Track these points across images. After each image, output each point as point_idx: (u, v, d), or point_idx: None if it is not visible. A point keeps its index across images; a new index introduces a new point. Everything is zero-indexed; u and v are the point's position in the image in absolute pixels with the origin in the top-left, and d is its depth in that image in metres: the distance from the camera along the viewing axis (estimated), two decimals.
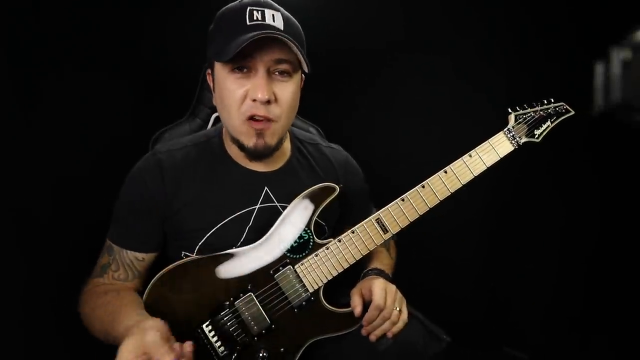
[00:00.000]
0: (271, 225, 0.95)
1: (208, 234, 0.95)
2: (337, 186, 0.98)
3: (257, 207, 0.98)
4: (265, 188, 0.99)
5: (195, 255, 0.95)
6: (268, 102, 0.85)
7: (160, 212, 0.95)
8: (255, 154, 0.92)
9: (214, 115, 1.27)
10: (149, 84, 1.48)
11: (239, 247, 0.95)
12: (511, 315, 1.79)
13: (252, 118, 0.87)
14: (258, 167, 0.99)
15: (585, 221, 1.70)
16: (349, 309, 0.94)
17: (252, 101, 0.85)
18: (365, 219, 1.07)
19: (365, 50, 1.66)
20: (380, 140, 1.74)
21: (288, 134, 1.06)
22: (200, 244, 0.95)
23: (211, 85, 0.96)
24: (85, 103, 1.38)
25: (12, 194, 1.25)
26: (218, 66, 0.88)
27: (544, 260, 1.76)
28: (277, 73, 0.87)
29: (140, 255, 0.96)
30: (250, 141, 0.89)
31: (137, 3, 1.43)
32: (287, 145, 1.05)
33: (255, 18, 0.84)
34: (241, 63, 0.85)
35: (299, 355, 0.93)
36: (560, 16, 1.64)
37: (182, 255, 0.97)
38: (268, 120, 0.87)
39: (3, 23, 1.23)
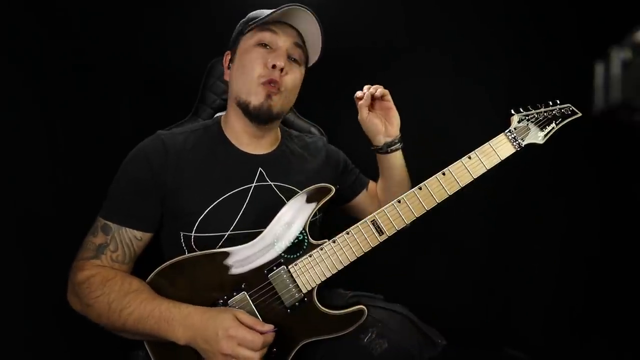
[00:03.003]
0: (266, 204, 0.98)
1: (206, 211, 0.96)
2: (333, 187, 0.98)
3: (253, 185, 1.01)
4: (260, 168, 1.04)
5: (194, 234, 0.96)
6: (282, 70, 0.99)
7: (161, 189, 0.96)
8: (258, 115, 1.00)
9: (216, 115, 1.27)
10: (150, 84, 1.48)
11: (236, 224, 0.97)
12: (512, 315, 1.79)
13: (267, 83, 0.99)
14: (253, 150, 1.07)
15: (585, 222, 1.70)
16: (343, 311, 0.94)
17: (270, 68, 0.98)
18: (360, 185, 1.25)
19: (366, 50, 1.66)
20: None
21: (278, 128, 1.16)
22: (199, 221, 0.96)
23: (225, 64, 1.10)
24: (86, 103, 1.38)
25: (12, 194, 1.25)
26: (244, 41, 1.03)
27: (544, 260, 1.75)
28: (292, 58, 1.03)
29: (139, 234, 0.96)
30: (258, 100, 0.99)
31: (138, 3, 1.43)
32: (277, 134, 1.15)
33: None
34: (268, 37, 1.00)
35: (291, 357, 0.93)
36: (561, 16, 1.64)
37: (181, 236, 0.97)
38: (278, 87, 1.00)
39: (3, 22, 1.23)
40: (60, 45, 1.33)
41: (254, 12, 1.07)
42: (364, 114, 1.09)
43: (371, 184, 1.27)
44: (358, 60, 1.66)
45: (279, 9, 0.97)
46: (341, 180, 1.21)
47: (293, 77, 1.03)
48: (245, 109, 1.01)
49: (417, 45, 1.67)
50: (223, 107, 1.28)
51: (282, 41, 1.01)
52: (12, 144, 1.26)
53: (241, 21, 1.09)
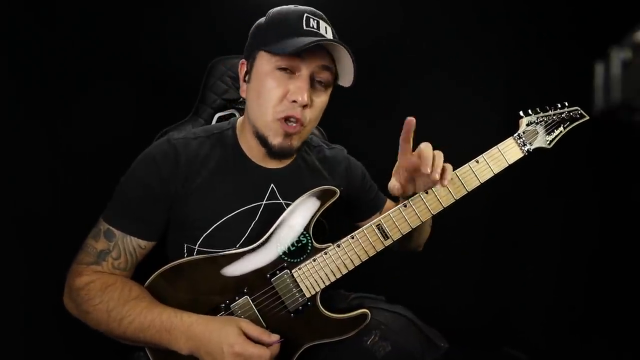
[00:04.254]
0: (275, 223, 0.94)
1: (213, 226, 0.93)
2: (337, 190, 0.97)
3: (263, 203, 0.97)
4: (272, 185, 0.99)
5: (197, 248, 0.94)
6: (305, 106, 0.88)
7: (170, 198, 0.92)
8: (279, 154, 0.94)
9: (216, 115, 1.27)
10: (151, 84, 1.48)
11: (242, 242, 0.94)
12: (512, 316, 1.79)
13: (286, 119, 0.89)
14: (266, 163, 1.00)
15: (585, 222, 1.70)
16: (346, 315, 0.93)
17: (290, 102, 0.87)
18: (376, 206, 1.17)
19: (365, 50, 1.65)
20: (382, 143, 1.72)
21: None
22: (204, 235, 0.93)
23: (241, 75, 0.98)
24: (87, 103, 1.37)
25: (13, 193, 1.25)
26: (262, 61, 0.90)
27: (544, 261, 1.75)
28: (317, 81, 0.90)
29: (143, 243, 0.92)
30: (276, 140, 0.91)
31: (138, 3, 1.43)
32: None
33: (311, 25, 0.88)
34: (289, 62, 0.87)
35: None
36: (561, 16, 1.64)
37: (184, 247, 0.95)
38: (300, 124, 0.90)
39: (4, 23, 1.23)
40: (60, 45, 1.32)
41: (276, 13, 0.92)
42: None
43: (387, 203, 1.20)
44: (359, 61, 1.66)
45: (309, 44, 0.82)
46: (358, 198, 1.15)
47: (317, 105, 0.92)
48: (264, 143, 0.93)
49: (416, 46, 1.67)
50: (223, 107, 1.28)
51: (306, 65, 0.87)
52: (12, 144, 1.26)
53: (260, 23, 0.95)
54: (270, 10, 0.94)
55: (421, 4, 1.65)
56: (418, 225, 0.95)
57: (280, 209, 0.98)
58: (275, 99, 0.88)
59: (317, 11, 0.93)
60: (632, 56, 0.36)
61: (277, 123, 0.89)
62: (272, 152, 0.93)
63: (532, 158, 1.02)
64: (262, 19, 0.95)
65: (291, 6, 0.93)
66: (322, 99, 0.93)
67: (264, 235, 0.93)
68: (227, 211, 0.94)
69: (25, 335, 1.29)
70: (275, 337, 0.85)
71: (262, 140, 0.92)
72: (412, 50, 1.67)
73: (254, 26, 0.96)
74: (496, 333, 1.76)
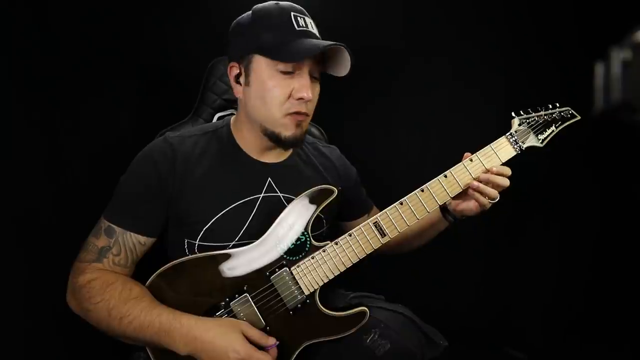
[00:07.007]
0: (274, 215, 0.95)
1: (212, 220, 0.94)
2: (335, 188, 0.98)
3: (261, 195, 0.99)
4: (269, 178, 1.01)
5: (198, 242, 0.95)
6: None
7: (168, 194, 0.94)
8: (292, 143, 0.97)
9: (216, 115, 1.27)
10: (151, 85, 1.48)
11: (241, 235, 0.95)
12: (512, 315, 1.79)
13: (294, 114, 0.93)
14: (263, 158, 1.02)
15: (585, 222, 1.70)
16: (345, 312, 0.94)
17: (297, 100, 0.92)
18: (361, 210, 1.20)
19: (367, 52, 1.65)
20: (380, 143, 1.73)
21: None
22: (204, 229, 0.94)
23: (231, 77, 0.99)
24: (87, 103, 1.37)
25: (13, 194, 1.24)
26: (261, 65, 0.93)
27: (544, 260, 1.75)
28: (313, 76, 0.96)
29: (142, 239, 0.94)
30: (289, 131, 0.95)
31: (138, 3, 1.43)
32: None
33: (300, 24, 0.92)
34: (292, 66, 0.91)
35: (293, 358, 0.93)
36: (560, 16, 1.64)
37: (185, 243, 0.96)
38: (306, 115, 0.96)
39: (3, 23, 1.23)
40: (60, 45, 1.32)
41: (262, 13, 0.93)
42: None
43: (374, 211, 1.22)
44: (358, 62, 1.66)
45: (316, 51, 0.88)
46: (351, 196, 1.17)
47: (315, 96, 0.97)
48: (276, 139, 0.95)
49: (416, 46, 1.67)
50: (223, 107, 1.28)
51: (306, 65, 0.92)
52: (12, 144, 1.26)
53: (243, 23, 0.95)
54: (254, 10, 0.95)
55: (420, 5, 1.65)
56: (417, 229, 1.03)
57: (278, 202, 1.00)
58: (281, 99, 0.92)
59: (299, 7, 0.95)
60: (632, 56, 0.36)
61: (287, 118, 0.93)
62: (287, 143, 0.97)
63: (532, 158, 1.02)
64: (245, 18, 0.96)
65: (272, 3, 0.95)
66: (317, 90, 0.99)
67: (263, 229, 0.94)
68: (225, 204, 0.96)
69: (25, 335, 1.29)
70: (272, 340, 0.87)
71: (273, 136, 0.95)
72: (411, 51, 1.67)
73: (235, 24, 0.97)
74: (496, 333, 1.75)
